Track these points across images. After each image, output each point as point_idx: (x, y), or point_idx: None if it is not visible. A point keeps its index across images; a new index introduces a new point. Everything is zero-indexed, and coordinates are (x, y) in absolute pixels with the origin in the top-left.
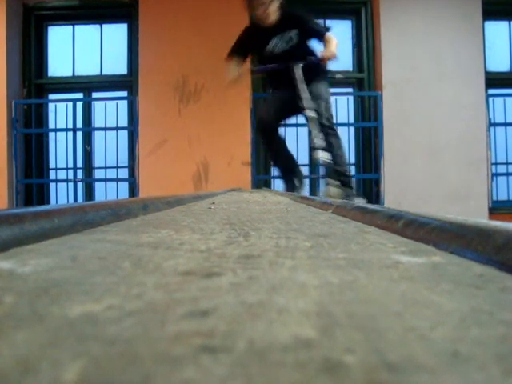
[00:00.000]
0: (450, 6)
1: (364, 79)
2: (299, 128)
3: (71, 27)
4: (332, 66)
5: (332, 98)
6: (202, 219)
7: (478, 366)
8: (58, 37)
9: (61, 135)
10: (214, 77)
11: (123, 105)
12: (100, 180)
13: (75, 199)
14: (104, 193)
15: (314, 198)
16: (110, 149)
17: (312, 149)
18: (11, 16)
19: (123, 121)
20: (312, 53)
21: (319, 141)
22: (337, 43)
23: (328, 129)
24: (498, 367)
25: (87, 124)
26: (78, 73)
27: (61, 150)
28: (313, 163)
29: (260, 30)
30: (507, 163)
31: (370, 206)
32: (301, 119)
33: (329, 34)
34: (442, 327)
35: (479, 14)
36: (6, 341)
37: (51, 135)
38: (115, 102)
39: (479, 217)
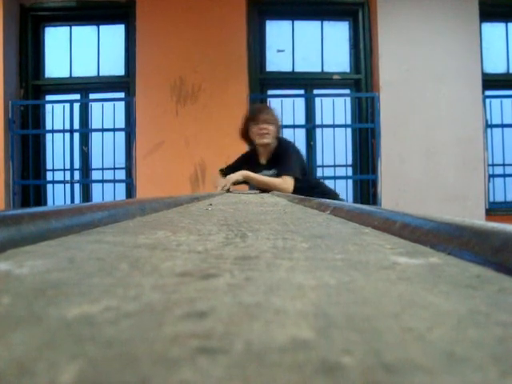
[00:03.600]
0: (447, 7)
1: (361, 80)
2: (296, 129)
3: (68, 28)
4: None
5: (329, 100)
6: (199, 220)
7: (475, 367)
8: (55, 38)
9: (58, 136)
10: (212, 78)
11: (120, 106)
12: (97, 181)
13: (72, 200)
14: (101, 194)
15: (311, 199)
16: (107, 150)
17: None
18: (8, 17)
19: (120, 122)
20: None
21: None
22: (267, 183)
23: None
24: (495, 368)
25: (84, 125)
26: (75, 74)
27: (58, 151)
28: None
29: (255, 162)
30: (504, 164)
31: (367, 207)
32: (300, 120)
33: (280, 179)
34: (439, 328)
35: (476, 15)
36: (3, 342)
37: (48, 136)
38: (112, 103)
39: (476, 218)
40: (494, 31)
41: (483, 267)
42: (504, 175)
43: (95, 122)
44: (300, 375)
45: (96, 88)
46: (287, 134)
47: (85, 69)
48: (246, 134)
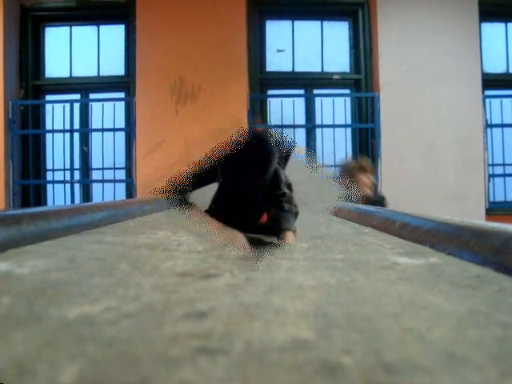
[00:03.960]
0: (447, 7)
1: (361, 80)
2: (296, 129)
3: (68, 28)
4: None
5: (329, 100)
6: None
7: (474, 367)
8: (56, 38)
9: (58, 136)
10: (212, 77)
11: (120, 106)
12: (97, 181)
13: (72, 200)
14: (101, 194)
15: None
16: (107, 150)
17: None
18: (8, 17)
19: (120, 122)
20: None
21: None
22: None
23: None
24: (494, 369)
25: (84, 125)
26: (76, 74)
27: (58, 151)
28: None
29: None
30: (504, 164)
31: (367, 207)
32: (300, 120)
33: None
34: (439, 328)
35: (476, 15)
36: (3, 342)
37: (48, 136)
38: (112, 102)
39: (476, 218)
40: (494, 31)
41: (483, 267)
42: (504, 175)
43: (95, 122)
44: (300, 375)
45: (96, 88)
46: (287, 133)
47: (85, 69)
48: (348, 177)
